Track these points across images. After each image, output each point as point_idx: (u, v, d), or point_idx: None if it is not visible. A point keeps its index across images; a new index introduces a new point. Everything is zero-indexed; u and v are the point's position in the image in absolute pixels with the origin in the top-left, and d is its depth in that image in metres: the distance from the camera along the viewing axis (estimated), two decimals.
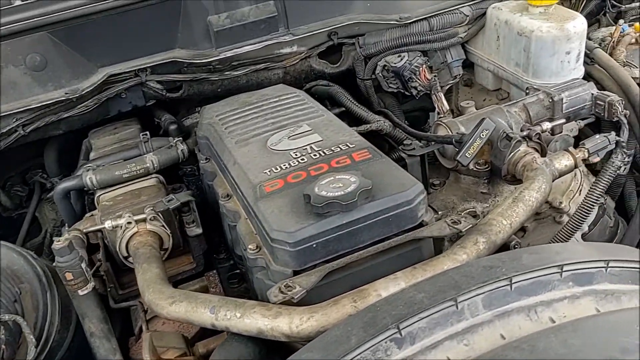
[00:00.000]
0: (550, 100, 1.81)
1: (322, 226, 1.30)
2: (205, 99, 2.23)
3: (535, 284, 1.11)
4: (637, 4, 2.48)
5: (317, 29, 2.22)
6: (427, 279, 1.18)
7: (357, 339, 1.02)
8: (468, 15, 2.27)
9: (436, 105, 2.20)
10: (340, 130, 1.67)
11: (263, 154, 1.61)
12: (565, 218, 1.90)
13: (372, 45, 2.26)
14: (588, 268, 1.15)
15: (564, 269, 1.13)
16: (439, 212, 1.75)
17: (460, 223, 1.36)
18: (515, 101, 1.87)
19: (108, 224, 1.67)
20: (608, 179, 1.71)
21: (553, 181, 1.63)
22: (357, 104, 2.18)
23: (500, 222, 1.43)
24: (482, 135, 1.57)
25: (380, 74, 2.32)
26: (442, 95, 2.18)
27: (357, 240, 1.34)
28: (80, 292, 1.58)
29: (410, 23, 2.23)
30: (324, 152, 1.55)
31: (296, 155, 1.56)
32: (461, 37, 2.28)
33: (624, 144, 1.71)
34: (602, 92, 1.85)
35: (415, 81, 2.24)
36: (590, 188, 1.75)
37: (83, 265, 1.56)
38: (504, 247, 1.79)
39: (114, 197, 1.86)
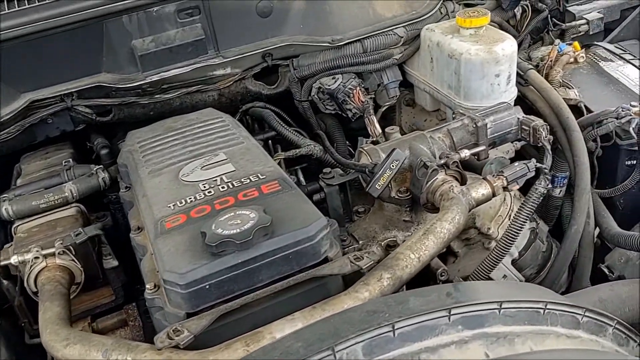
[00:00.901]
0: (474, 126, 1.78)
1: (215, 266, 1.25)
2: (139, 122, 2.18)
3: (421, 329, 1.07)
4: (577, 22, 2.46)
5: (249, 50, 2.18)
6: (307, 326, 1.13)
7: None
8: (402, 37, 2.24)
9: (369, 129, 2.17)
10: (256, 159, 1.63)
11: (172, 186, 1.57)
12: (494, 244, 1.87)
13: (306, 67, 2.23)
14: (479, 310, 1.12)
15: (452, 312, 1.09)
16: (360, 242, 1.71)
17: (363, 259, 1.33)
18: (439, 127, 1.83)
19: (14, 259, 1.61)
20: (531, 205, 1.67)
21: (470, 210, 1.60)
22: (287, 128, 2.14)
23: (408, 257, 1.40)
24: (392, 166, 1.54)
25: (316, 96, 2.28)
26: (374, 118, 2.15)
27: (255, 280, 1.29)
28: None
29: (343, 45, 2.19)
30: (232, 184, 1.51)
31: (205, 187, 1.52)
32: (396, 59, 2.25)
33: (546, 170, 1.68)
34: (527, 116, 1.82)
35: (349, 103, 2.21)
36: (514, 215, 1.72)
37: None
38: (432, 275, 1.79)
39: (30, 228, 1.81)
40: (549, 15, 2.55)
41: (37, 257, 1.60)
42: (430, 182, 1.63)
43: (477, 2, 2.55)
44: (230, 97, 2.32)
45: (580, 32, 2.47)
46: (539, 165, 1.67)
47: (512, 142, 2.05)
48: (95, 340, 1.33)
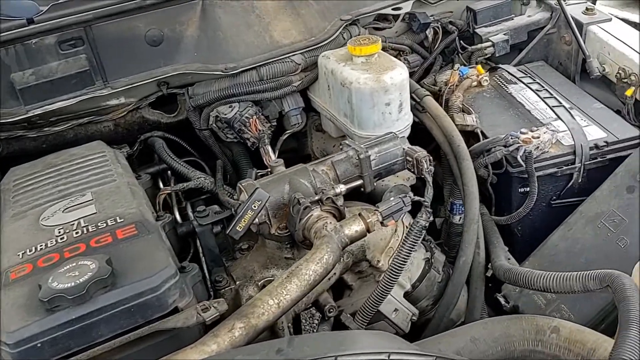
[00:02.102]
0: (358, 158, 1.74)
1: (47, 323, 1.19)
2: (32, 156, 2.09)
3: None
4: (483, 44, 2.45)
5: (141, 80, 2.11)
6: None
7: None
8: (300, 64, 2.20)
9: (264, 159, 2.12)
10: (122, 200, 1.57)
11: (30, 231, 1.49)
12: None
13: (201, 96, 2.17)
14: None
15: None
16: (237, 282, 1.65)
17: (209, 310, 1.27)
18: (323, 159, 1.79)
19: None
20: (414, 239, 1.63)
21: (344, 248, 1.55)
22: (176, 160, 2.09)
23: (266, 303, 1.34)
24: (254, 207, 1.48)
25: (214, 125, 2.23)
26: (269, 148, 2.10)
27: (95, 335, 1.23)
28: None
29: (238, 73, 2.14)
30: (88, 229, 1.44)
31: (60, 232, 1.45)
32: (295, 86, 2.20)
33: (426, 203, 1.64)
34: (411, 147, 1.78)
35: (246, 132, 2.16)
36: (398, 248, 1.68)
37: None
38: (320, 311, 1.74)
39: None
40: (457, 38, 2.54)
41: None
42: (304, 219, 1.58)
43: (385, 25, 2.53)
44: (127, 127, 2.26)
45: (486, 54, 2.45)
46: (416, 198, 1.63)
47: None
48: None
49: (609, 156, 1.94)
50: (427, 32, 2.60)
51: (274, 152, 2.22)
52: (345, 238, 1.54)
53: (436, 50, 2.56)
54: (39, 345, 1.18)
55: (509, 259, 2.02)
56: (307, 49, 2.20)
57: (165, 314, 1.28)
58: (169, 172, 2.18)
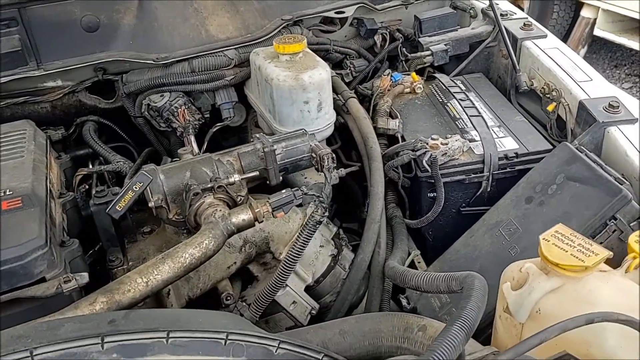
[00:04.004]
0: (263, 151, 1.78)
1: None
2: None
3: (66, 357, 1.05)
4: (423, 53, 2.49)
5: (75, 64, 2.17)
6: None
7: None
8: (233, 59, 2.25)
9: None
10: (20, 175, 1.62)
11: None
12: None
13: (133, 84, 2.23)
14: (143, 339, 1.10)
15: (105, 340, 1.08)
16: (130, 263, 1.70)
17: (70, 282, 1.31)
18: (230, 150, 1.84)
19: None
20: (308, 232, 1.68)
21: (230, 236, 1.60)
22: (99, 144, 2.14)
23: (134, 281, 1.38)
24: (135, 188, 1.53)
25: (146, 113, 2.28)
26: (192, 138, 2.15)
27: None
28: None
29: (170, 63, 2.20)
30: None
31: None
32: (227, 80, 2.26)
33: (321, 198, 1.68)
34: (318, 144, 1.83)
35: (174, 122, 2.21)
36: (293, 241, 1.72)
37: None
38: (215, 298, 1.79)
39: None
40: (400, 45, 2.59)
41: None
42: (194, 205, 1.63)
43: (330, 28, 2.58)
44: (64, 110, 2.31)
45: (425, 62, 2.50)
46: (310, 193, 1.68)
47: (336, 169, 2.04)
48: None
49: (517, 167, 1.97)
50: (375, 38, 2.65)
51: (204, 144, 2.27)
52: (232, 226, 1.59)
53: (378, 55, 2.61)
54: None
55: (419, 262, 2.07)
56: (242, 45, 2.26)
57: (31, 283, 1.33)
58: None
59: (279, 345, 1.21)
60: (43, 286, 1.31)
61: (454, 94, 2.29)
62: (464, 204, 2.03)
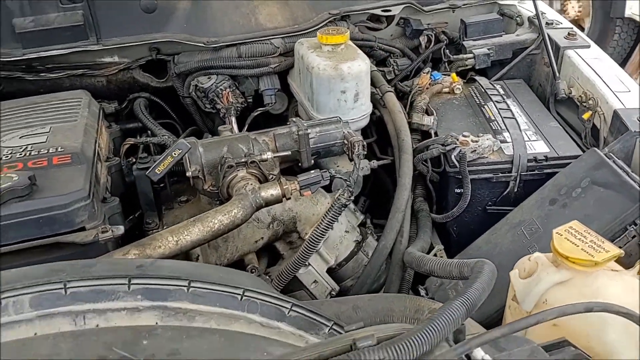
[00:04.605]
0: (298, 134, 1.87)
1: None
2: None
3: (95, 292, 1.16)
4: (465, 55, 2.53)
5: (132, 42, 2.31)
6: None
7: None
8: (279, 47, 2.35)
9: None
10: (73, 136, 1.75)
11: None
12: None
13: (184, 64, 2.35)
14: (165, 285, 1.20)
15: (132, 282, 1.18)
16: (165, 226, 1.81)
17: (107, 232, 1.42)
18: (267, 130, 1.93)
19: None
20: (333, 215, 1.75)
21: (259, 209, 1.68)
22: (148, 118, 2.27)
23: (165, 238, 1.49)
24: (174, 154, 1.64)
25: (194, 93, 2.40)
26: (233, 119, 2.26)
27: (4, 237, 1.40)
28: None
29: (219, 48, 2.31)
30: (31, 153, 1.63)
31: (7, 152, 1.64)
32: (272, 67, 2.36)
33: (348, 182, 1.76)
34: (351, 132, 1.91)
35: (218, 103, 2.33)
36: (318, 222, 1.80)
37: None
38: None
39: None
40: (444, 47, 2.64)
41: None
42: (228, 177, 1.73)
43: (376, 26, 2.66)
44: (118, 85, 2.46)
45: (467, 65, 2.54)
46: (337, 176, 1.76)
47: (369, 161, 2.10)
48: None
49: (546, 170, 2.00)
50: (420, 38, 2.71)
51: (245, 127, 2.38)
52: (260, 199, 1.68)
53: (421, 55, 2.66)
54: None
55: (441, 257, 2.11)
56: (288, 35, 2.35)
57: (72, 231, 1.45)
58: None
59: (291, 307, 1.29)
60: (82, 234, 1.43)
61: (492, 97, 2.32)
62: (490, 203, 2.06)
